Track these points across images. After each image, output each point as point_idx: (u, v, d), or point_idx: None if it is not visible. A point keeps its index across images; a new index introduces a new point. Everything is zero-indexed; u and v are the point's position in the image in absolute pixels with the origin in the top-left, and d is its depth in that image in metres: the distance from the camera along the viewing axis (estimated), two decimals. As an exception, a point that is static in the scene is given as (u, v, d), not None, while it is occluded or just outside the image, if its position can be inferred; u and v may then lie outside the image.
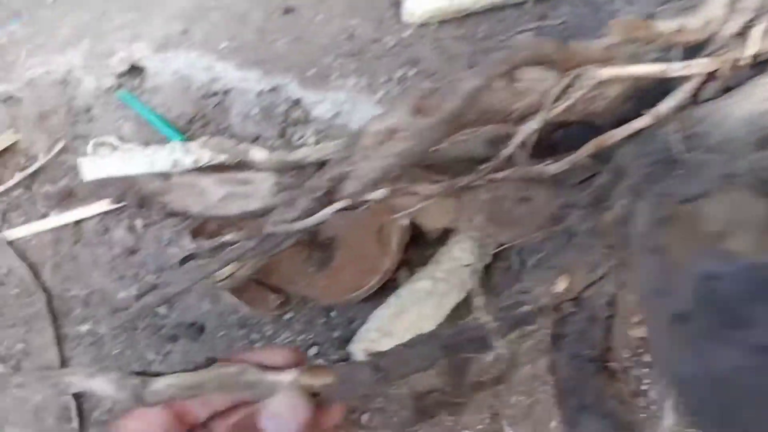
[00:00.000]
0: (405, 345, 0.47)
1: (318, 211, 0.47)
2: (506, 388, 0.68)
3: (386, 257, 0.67)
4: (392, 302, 0.67)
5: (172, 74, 0.76)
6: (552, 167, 0.45)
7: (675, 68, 0.42)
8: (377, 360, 0.45)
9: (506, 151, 0.45)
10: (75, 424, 0.67)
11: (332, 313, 0.72)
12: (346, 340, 0.70)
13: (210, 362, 0.47)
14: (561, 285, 0.50)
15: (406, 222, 0.64)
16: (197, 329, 0.70)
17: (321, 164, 0.55)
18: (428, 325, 0.65)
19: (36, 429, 0.68)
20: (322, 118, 0.76)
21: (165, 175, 0.54)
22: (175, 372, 0.46)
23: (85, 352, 0.71)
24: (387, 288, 0.71)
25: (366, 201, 0.48)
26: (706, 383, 0.33)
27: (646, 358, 0.72)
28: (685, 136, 0.46)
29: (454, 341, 0.47)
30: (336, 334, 0.71)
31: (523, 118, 0.46)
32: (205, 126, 0.79)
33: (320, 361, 0.69)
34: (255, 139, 0.76)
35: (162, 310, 0.71)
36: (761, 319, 0.31)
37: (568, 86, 0.44)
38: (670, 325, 0.35)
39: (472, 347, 0.47)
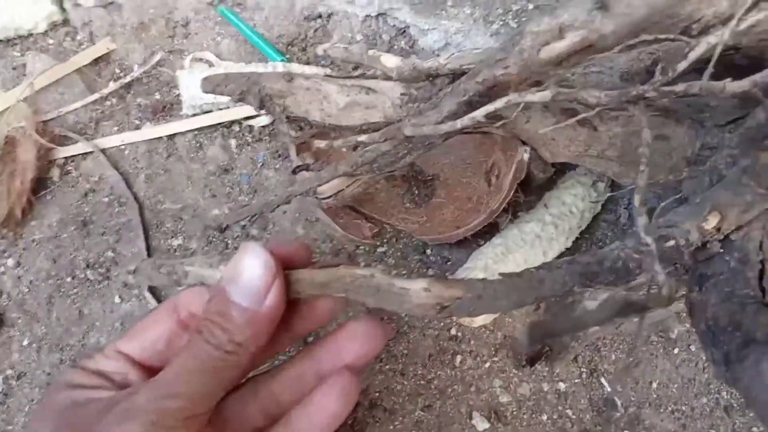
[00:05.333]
0: (540, 268, 0.44)
1: (463, 115, 0.43)
2: (608, 341, 0.65)
3: (496, 196, 0.63)
4: (497, 242, 0.64)
5: (277, -9, 0.73)
6: (733, 85, 0.41)
7: None
8: (511, 279, 0.42)
9: (683, 64, 0.41)
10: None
11: (428, 251, 0.69)
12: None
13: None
14: (711, 222, 0.46)
15: (526, 156, 0.60)
16: (289, 253, 0.67)
17: (456, 75, 0.52)
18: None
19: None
20: (428, 49, 0.73)
21: (289, 76, 0.51)
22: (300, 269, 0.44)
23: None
24: (485, 231, 0.67)
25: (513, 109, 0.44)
26: None
27: None
28: None
29: (593, 269, 0.44)
30: (431, 272, 0.68)
31: (702, 31, 0.42)
32: (304, 50, 0.76)
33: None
34: (354, 69, 0.73)
35: (255, 231, 0.68)
36: None
37: (762, -4, 0.40)
38: None
39: (612, 276, 0.44)
